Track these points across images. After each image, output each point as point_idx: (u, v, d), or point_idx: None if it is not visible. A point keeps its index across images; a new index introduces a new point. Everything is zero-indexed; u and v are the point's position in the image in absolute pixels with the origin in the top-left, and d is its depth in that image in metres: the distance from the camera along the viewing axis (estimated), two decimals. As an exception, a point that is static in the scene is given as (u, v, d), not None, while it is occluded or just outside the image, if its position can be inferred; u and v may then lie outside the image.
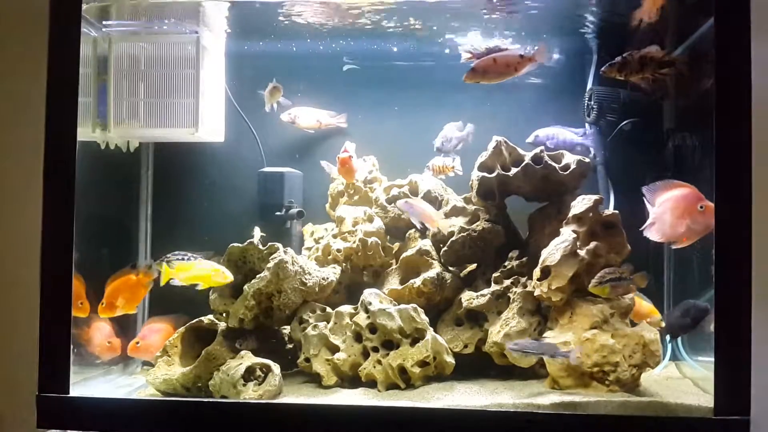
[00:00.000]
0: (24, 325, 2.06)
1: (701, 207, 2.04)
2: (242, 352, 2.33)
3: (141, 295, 2.51)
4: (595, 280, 2.23)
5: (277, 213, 2.97)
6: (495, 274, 2.55)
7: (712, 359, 1.92)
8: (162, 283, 2.19)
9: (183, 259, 2.53)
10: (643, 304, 2.42)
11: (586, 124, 2.79)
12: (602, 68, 2.49)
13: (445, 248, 2.60)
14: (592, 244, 2.33)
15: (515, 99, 2.90)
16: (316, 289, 2.55)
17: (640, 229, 2.21)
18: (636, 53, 2.33)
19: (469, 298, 2.52)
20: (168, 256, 2.55)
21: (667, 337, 2.62)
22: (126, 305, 2.49)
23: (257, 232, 2.75)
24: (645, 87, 2.58)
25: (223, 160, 3.08)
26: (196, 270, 2.23)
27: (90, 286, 2.38)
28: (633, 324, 2.32)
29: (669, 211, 2.12)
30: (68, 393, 2.05)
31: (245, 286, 2.44)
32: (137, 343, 2.57)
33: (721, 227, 1.91)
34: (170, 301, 2.64)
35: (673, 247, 2.13)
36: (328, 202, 3.04)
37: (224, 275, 2.26)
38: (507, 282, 2.51)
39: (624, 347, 2.22)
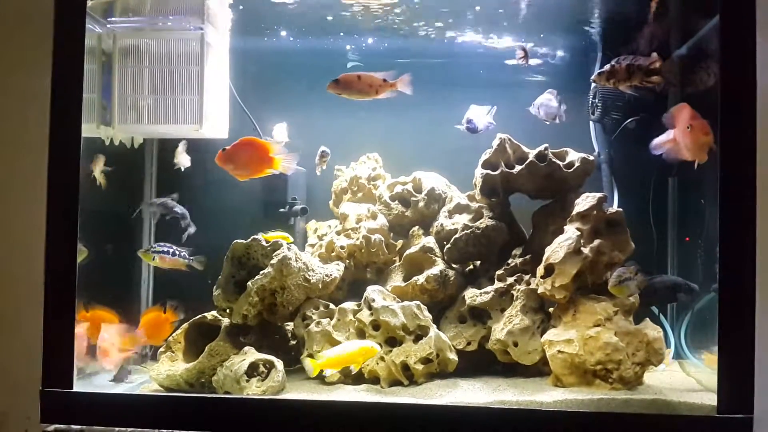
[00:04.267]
0: (28, 320, 2.07)
1: (689, 127, 2.12)
2: (245, 348, 2.34)
3: (168, 331, 2.54)
4: (614, 280, 2.23)
5: (281, 210, 2.97)
6: (498, 272, 2.55)
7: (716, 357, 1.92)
8: (314, 374, 2.25)
9: (166, 252, 2.55)
10: None
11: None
12: (591, 77, 2.49)
13: (448, 246, 2.60)
14: (596, 242, 2.33)
15: (518, 98, 2.89)
16: (320, 285, 2.55)
17: (658, 152, 2.23)
18: (623, 61, 2.33)
19: (472, 296, 2.51)
20: (153, 246, 2.57)
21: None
22: (155, 337, 2.55)
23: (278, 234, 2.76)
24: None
25: (227, 156, 3.07)
26: (347, 355, 2.23)
27: (91, 285, 2.38)
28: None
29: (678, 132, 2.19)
30: (72, 388, 2.06)
31: (249, 283, 2.44)
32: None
33: (725, 226, 1.91)
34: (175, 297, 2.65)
35: (695, 166, 2.15)
36: (332, 199, 3.04)
37: (372, 350, 2.23)
38: (510, 279, 2.51)
39: (627, 345, 2.22)
